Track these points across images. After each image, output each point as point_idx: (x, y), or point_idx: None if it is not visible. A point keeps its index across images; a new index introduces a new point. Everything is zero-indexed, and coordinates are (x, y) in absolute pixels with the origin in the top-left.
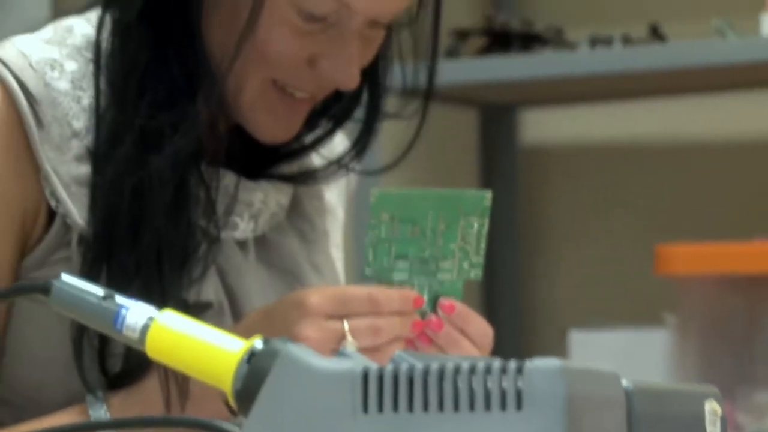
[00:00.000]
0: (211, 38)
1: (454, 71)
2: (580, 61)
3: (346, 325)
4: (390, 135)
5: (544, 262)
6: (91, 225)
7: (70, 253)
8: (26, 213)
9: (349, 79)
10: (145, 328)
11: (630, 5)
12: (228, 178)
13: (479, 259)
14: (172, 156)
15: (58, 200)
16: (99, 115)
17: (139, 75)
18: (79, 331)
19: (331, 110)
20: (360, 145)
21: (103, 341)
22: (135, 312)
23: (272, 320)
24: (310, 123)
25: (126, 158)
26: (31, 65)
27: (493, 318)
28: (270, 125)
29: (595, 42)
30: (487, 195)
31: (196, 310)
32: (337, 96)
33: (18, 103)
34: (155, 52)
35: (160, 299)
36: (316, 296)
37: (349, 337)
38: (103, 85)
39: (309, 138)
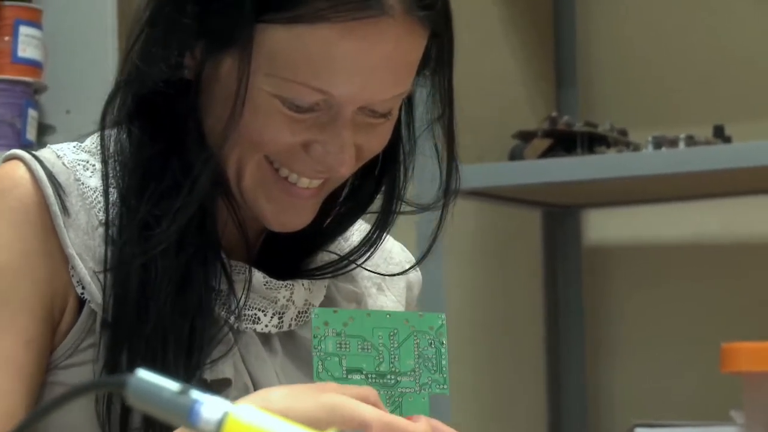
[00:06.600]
0: (207, 129)
1: (519, 172)
2: (644, 162)
3: None
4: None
5: (609, 358)
6: (105, 311)
7: (96, 338)
8: (56, 294)
9: (341, 164)
10: (220, 423)
11: (695, 107)
12: (248, 274)
13: (443, 376)
14: (167, 240)
15: (84, 287)
16: (108, 208)
17: (141, 172)
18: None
19: (349, 202)
20: (374, 237)
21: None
22: (210, 406)
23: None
24: (328, 216)
25: (129, 247)
26: (64, 164)
27: (559, 413)
28: (276, 213)
29: (659, 143)
30: (442, 316)
31: (216, 387)
32: (353, 188)
33: (45, 193)
34: (154, 148)
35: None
36: (378, 425)
37: None
38: (114, 184)
39: (329, 230)
